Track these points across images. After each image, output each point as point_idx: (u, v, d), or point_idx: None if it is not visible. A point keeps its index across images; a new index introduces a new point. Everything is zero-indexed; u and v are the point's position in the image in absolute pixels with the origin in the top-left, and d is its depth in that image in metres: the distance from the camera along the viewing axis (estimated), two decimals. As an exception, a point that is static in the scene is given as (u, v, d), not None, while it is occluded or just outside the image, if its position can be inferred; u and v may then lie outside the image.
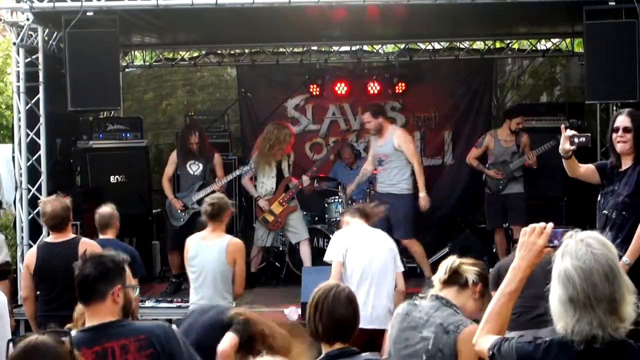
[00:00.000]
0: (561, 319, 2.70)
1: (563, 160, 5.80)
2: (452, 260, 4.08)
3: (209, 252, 6.72)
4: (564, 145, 5.64)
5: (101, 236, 7.14)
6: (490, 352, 2.92)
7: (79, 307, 4.50)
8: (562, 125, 5.85)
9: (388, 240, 6.66)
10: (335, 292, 3.58)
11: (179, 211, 9.67)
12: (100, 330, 3.52)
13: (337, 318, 3.53)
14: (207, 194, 9.34)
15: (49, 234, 6.73)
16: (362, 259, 6.45)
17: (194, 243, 6.83)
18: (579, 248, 2.70)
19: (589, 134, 5.71)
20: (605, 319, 2.63)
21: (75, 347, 3.39)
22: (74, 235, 6.48)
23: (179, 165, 9.90)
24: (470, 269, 4.04)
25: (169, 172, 9.94)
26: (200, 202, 9.27)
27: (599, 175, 5.92)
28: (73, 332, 3.57)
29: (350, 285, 3.96)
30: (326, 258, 6.72)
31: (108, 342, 3.45)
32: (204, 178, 9.82)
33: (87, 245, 6.17)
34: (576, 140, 5.63)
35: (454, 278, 4.02)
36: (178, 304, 8.92)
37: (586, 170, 5.93)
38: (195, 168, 9.87)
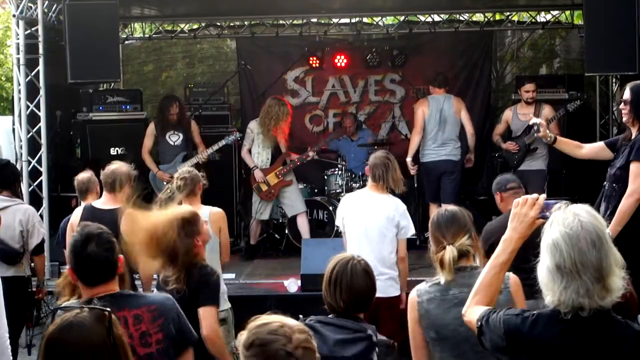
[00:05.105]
0: (549, 288, 2.69)
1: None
2: (451, 253, 3.84)
3: None
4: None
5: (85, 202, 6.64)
6: (479, 323, 2.91)
7: (64, 275, 4.03)
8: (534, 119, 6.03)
9: (389, 207, 6.42)
10: (352, 265, 3.65)
11: (166, 183, 9.65)
12: (110, 301, 3.33)
13: (356, 292, 3.62)
14: (192, 165, 9.38)
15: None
16: (358, 226, 6.42)
17: None
18: (567, 217, 2.69)
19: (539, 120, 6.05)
20: (592, 287, 2.62)
21: None
22: (119, 206, 5.90)
23: (158, 136, 9.90)
24: (464, 243, 3.88)
25: (147, 144, 9.91)
26: None
27: (610, 151, 5.98)
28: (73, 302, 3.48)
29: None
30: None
31: (120, 312, 3.35)
32: (186, 148, 9.87)
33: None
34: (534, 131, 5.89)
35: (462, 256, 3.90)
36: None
37: (591, 149, 5.98)
38: (175, 138, 9.90)
